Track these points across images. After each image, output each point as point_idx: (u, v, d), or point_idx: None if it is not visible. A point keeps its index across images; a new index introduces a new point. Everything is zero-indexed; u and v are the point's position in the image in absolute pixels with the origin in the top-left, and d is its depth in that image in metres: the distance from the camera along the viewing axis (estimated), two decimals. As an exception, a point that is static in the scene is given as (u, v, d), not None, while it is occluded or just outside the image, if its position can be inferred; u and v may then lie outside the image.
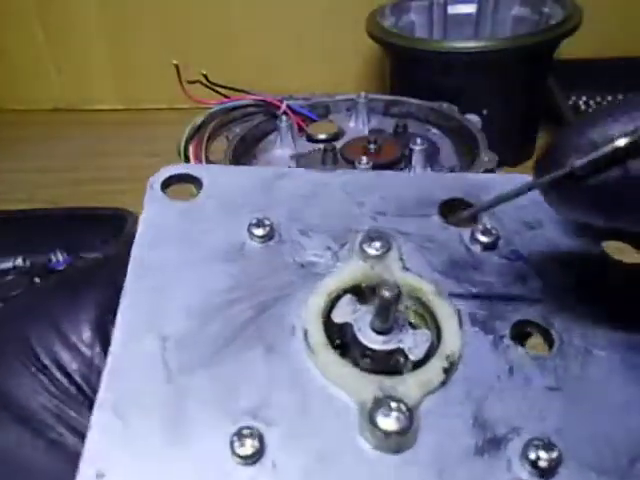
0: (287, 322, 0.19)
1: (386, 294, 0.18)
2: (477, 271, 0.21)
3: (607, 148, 0.16)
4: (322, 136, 0.60)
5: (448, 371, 0.18)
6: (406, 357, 0.19)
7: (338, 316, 0.20)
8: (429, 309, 0.20)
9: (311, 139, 0.61)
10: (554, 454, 0.16)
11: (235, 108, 0.65)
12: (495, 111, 0.64)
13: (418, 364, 0.19)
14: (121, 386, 0.18)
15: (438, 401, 0.18)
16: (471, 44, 0.63)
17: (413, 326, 0.20)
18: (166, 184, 0.23)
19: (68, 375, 0.21)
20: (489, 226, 0.22)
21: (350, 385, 0.18)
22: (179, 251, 0.21)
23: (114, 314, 0.19)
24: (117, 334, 0.19)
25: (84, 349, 0.22)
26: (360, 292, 0.21)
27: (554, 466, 0.17)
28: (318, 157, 0.55)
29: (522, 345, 0.19)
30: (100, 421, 0.17)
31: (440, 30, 0.76)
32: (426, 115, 0.63)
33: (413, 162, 0.54)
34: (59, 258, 0.55)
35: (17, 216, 0.59)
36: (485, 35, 0.75)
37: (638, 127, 0.17)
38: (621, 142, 0.16)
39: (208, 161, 0.60)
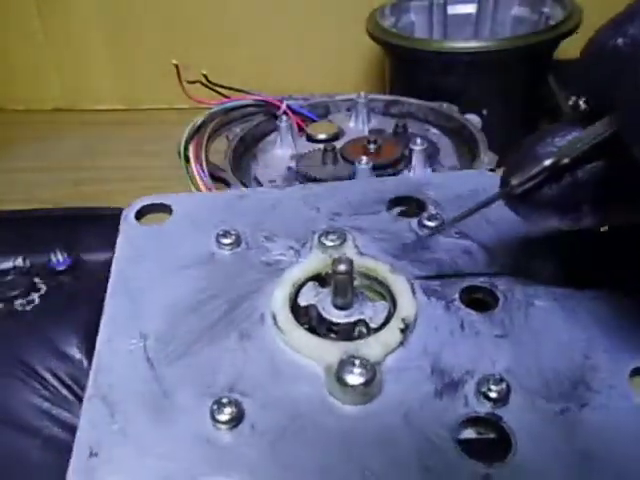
0: (257, 312, 0.21)
1: (340, 267, 0.20)
2: (427, 251, 0.24)
3: (537, 168, 0.19)
4: (322, 136, 0.60)
5: (404, 331, 0.21)
6: (367, 326, 0.21)
7: (303, 300, 0.22)
8: (385, 285, 0.23)
9: (311, 139, 0.61)
10: (503, 385, 0.19)
11: (235, 108, 0.65)
12: (495, 111, 0.65)
13: (378, 330, 0.21)
14: (107, 379, 0.19)
15: (398, 357, 0.20)
16: (471, 44, 0.63)
17: (371, 301, 0.22)
18: (140, 214, 0.27)
19: (59, 379, 0.22)
20: (434, 212, 0.25)
21: (317, 353, 0.20)
22: (154, 263, 0.24)
23: (97, 326, 0.21)
24: (101, 334, 0.20)
25: (72, 354, 0.23)
26: (321, 279, 0.23)
27: (504, 396, 0.19)
28: (318, 157, 0.55)
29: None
30: (89, 409, 0.18)
31: (440, 30, 0.76)
32: (426, 115, 0.63)
33: (413, 162, 0.54)
34: (59, 258, 0.55)
35: (17, 216, 0.59)
36: (485, 35, 0.75)
37: (560, 148, 0.19)
38: (547, 162, 0.19)
39: (208, 161, 0.60)
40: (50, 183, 0.71)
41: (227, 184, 0.54)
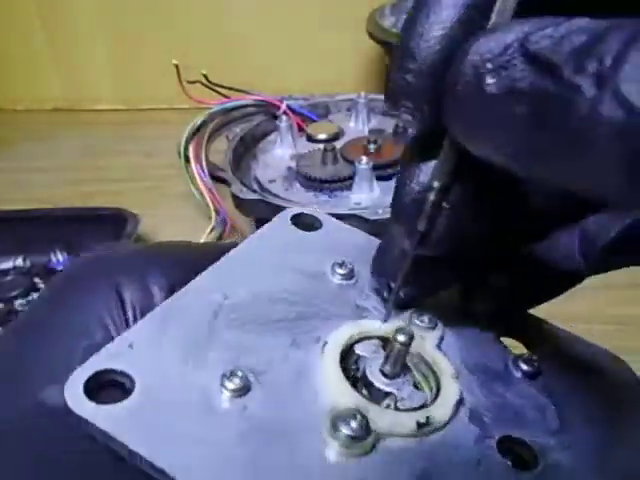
0: (318, 334, 0.22)
1: (400, 337, 0.20)
2: (503, 385, 0.22)
3: (427, 205, 0.19)
4: (322, 136, 0.60)
5: (420, 427, 0.20)
6: (395, 403, 0.21)
7: (358, 349, 0.22)
8: (438, 383, 0.22)
9: (311, 139, 0.61)
10: None
11: (235, 108, 0.65)
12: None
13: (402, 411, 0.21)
14: (176, 306, 0.21)
15: (398, 445, 0.19)
16: (471, 44, 0.63)
17: (416, 387, 0.22)
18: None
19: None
20: (533, 357, 0.23)
21: (335, 390, 0.20)
22: (279, 254, 0.25)
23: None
24: (191, 282, 0.22)
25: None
26: (387, 343, 0.22)
27: None
28: (318, 157, 0.55)
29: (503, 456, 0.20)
30: (146, 320, 0.20)
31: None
32: (426, 115, 0.63)
33: (413, 162, 0.54)
34: (59, 258, 0.55)
35: (17, 216, 0.59)
36: (485, 35, 0.75)
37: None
38: (432, 197, 0.18)
39: (208, 161, 0.60)
40: (50, 183, 0.71)
41: (227, 184, 0.54)
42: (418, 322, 0.23)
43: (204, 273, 0.23)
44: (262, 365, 0.20)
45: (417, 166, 0.19)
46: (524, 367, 0.22)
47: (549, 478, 0.20)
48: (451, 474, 0.19)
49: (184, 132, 0.60)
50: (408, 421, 0.20)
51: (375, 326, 0.23)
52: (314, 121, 0.64)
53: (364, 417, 0.19)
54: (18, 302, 0.53)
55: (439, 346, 0.23)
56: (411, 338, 0.20)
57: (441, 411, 0.21)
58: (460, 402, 0.21)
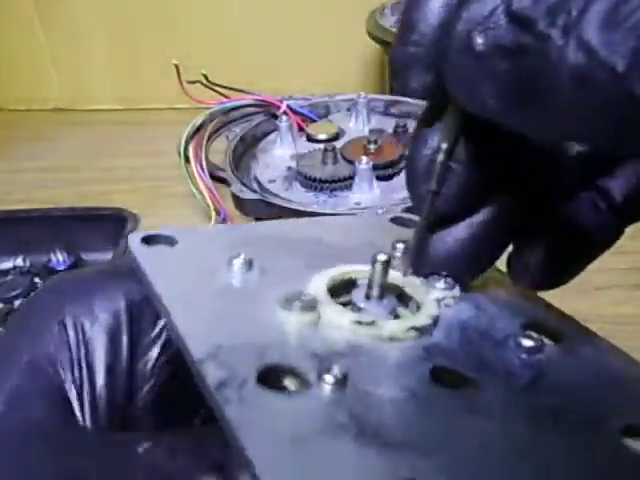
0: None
1: (379, 257, 0.20)
2: (487, 346, 0.21)
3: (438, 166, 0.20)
4: (322, 136, 0.60)
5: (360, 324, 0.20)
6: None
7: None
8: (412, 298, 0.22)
9: (311, 139, 0.61)
10: None
11: (235, 108, 0.65)
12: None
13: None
14: None
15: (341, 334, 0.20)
16: (471, 44, 0.63)
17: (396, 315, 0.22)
18: None
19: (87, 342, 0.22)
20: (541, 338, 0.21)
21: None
22: None
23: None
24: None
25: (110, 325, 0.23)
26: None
27: None
28: (318, 157, 0.55)
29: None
30: None
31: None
32: (426, 115, 0.63)
33: (413, 162, 0.54)
34: (59, 258, 0.55)
35: (17, 216, 0.59)
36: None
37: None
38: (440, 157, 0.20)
39: (208, 161, 0.60)
40: (50, 183, 0.71)
41: (227, 184, 0.54)
42: (435, 283, 0.22)
43: None
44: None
45: (427, 132, 0.20)
46: (524, 342, 0.21)
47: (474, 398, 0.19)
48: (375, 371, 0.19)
49: (184, 132, 0.60)
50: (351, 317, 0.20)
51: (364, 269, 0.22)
52: (314, 121, 0.64)
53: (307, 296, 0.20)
54: (18, 302, 0.53)
55: (440, 302, 0.22)
56: (389, 258, 0.20)
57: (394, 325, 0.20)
58: (426, 328, 0.21)
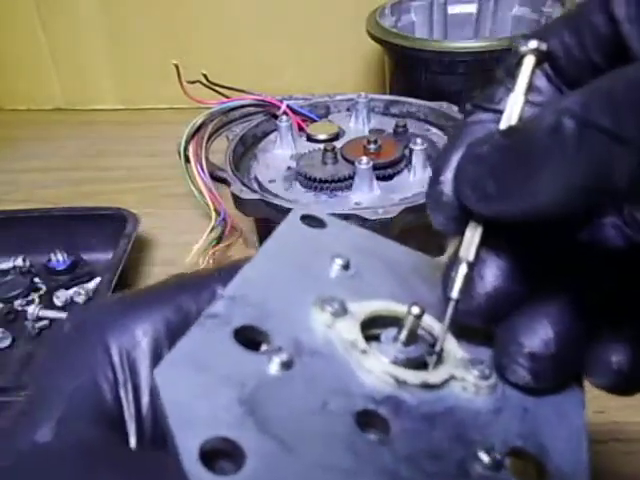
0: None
1: (413, 310, 0.21)
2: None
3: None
4: (322, 136, 0.60)
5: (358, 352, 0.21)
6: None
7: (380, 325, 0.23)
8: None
9: (311, 139, 0.61)
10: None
11: (235, 108, 0.65)
12: (495, 111, 0.65)
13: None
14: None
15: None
16: (471, 44, 0.63)
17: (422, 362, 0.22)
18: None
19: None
20: (497, 456, 0.20)
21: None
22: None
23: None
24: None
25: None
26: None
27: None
28: (318, 157, 0.55)
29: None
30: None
31: (440, 30, 0.76)
32: (426, 115, 0.63)
33: (413, 162, 0.54)
34: (59, 258, 0.55)
35: (17, 216, 0.59)
36: (485, 35, 0.75)
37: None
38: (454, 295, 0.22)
39: (208, 161, 0.60)
40: (50, 183, 0.71)
41: (227, 184, 0.54)
42: (473, 369, 0.22)
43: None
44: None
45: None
46: (482, 456, 0.20)
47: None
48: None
49: (184, 132, 0.60)
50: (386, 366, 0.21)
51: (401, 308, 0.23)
52: (314, 121, 0.64)
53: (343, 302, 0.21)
54: (18, 302, 0.53)
55: (455, 379, 0.22)
56: (423, 311, 0.21)
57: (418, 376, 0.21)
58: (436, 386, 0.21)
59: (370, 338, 0.22)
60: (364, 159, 0.52)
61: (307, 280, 0.23)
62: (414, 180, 0.54)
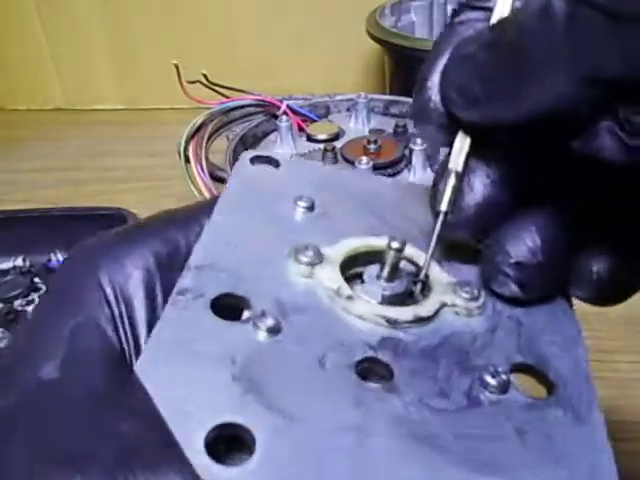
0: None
1: (393, 244, 0.20)
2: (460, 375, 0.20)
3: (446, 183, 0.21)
4: (322, 136, 0.60)
5: (337, 295, 0.20)
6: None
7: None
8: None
9: (311, 139, 0.61)
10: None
11: (235, 108, 0.65)
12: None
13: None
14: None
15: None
16: (471, 44, 0.63)
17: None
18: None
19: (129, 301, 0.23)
20: (502, 377, 0.20)
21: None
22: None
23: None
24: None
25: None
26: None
27: None
28: (318, 157, 0.56)
29: None
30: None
31: (440, 30, 0.76)
32: (426, 115, 0.63)
33: (413, 162, 0.54)
34: (59, 258, 0.55)
35: (17, 216, 0.59)
36: (485, 35, 0.75)
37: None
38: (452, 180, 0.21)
39: (208, 161, 0.60)
40: (50, 183, 0.71)
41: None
42: (458, 289, 0.21)
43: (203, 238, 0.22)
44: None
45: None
46: (489, 379, 0.19)
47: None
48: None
49: (184, 132, 0.60)
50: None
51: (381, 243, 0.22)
52: (314, 121, 0.64)
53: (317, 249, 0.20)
54: (18, 302, 0.53)
55: (446, 306, 0.21)
56: (404, 243, 0.20)
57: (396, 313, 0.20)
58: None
59: (353, 278, 0.22)
60: (364, 159, 0.52)
61: (273, 230, 0.22)
62: (414, 180, 0.54)
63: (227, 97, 0.65)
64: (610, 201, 0.20)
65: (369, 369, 0.19)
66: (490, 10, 0.20)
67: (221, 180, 0.59)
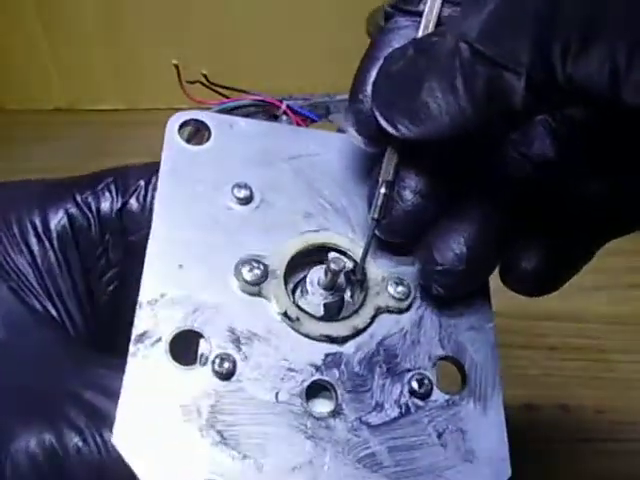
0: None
1: (332, 266, 0.22)
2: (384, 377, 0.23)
3: (377, 198, 0.22)
4: (322, 136, 0.60)
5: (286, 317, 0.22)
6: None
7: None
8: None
9: (311, 139, 0.61)
10: None
11: (235, 108, 0.65)
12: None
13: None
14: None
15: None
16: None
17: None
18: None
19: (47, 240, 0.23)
20: (425, 382, 0.22)
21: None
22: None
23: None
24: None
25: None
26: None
27: None
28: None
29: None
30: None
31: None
32: (426, 115, 0.63)
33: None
34: (59, 258, 0.55)
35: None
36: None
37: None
38: (382, 190, 0.22)
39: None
40: (50, 183, 0.71)
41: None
42: (391, 290, 0.23)
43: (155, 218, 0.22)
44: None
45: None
46: (415, 386, 0.22)
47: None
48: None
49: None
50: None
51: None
52: (314, 121, 0.64)
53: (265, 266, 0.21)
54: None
55: (382, 309, 0.23)
56: (342, 268, 0.22)
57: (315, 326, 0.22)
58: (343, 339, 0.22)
59: (297, 284, 0.23)
60: (364, 159, 0.52)
61: (215, 237, 0.22)
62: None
63: (227, 97, 0.65)
64: (535, 201, 0.22)
65: (316, 388, 0.21)
66: (419, 15, 0.21)
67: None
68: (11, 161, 0.77)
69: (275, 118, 0.63)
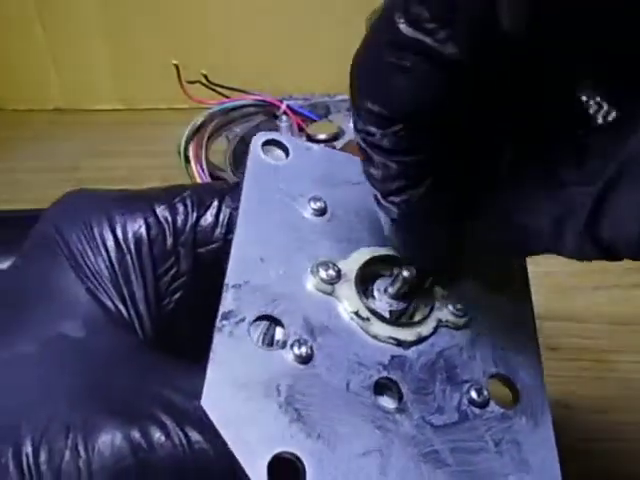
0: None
1: (404, 273, 0.23)
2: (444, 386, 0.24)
3: None
4: (322, 136, 0.60)
5: (358, 316, 0.23)
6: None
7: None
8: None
9: (311, 139, 0.61)
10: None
11: (235, 108, 0.65)
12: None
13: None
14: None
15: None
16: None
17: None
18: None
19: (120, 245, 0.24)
20: (484, 393, 0.24)
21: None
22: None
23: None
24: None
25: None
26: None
27: None
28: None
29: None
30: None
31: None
32: (426, 115, 0.63)
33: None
34: (59, 258, 0.55)
35: (17, 216, 0.59)
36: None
37: None
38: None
39: (208, 161, 0.60)
40: (50, 183, 0.71)
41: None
42: (451, 307, 0.25)
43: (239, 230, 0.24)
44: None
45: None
46: (474, 395, 0.23)
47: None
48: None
49: (184, 132, 0.60)
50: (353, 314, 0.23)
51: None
52: (314, 121, 0.64)
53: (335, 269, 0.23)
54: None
55: (441, 322, 0.25)
56: (413, 277, 0.23)
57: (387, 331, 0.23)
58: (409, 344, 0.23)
59: (366, 289, 0.25)
60: (364, 159, 0.51)
61: (293, 240, 0.24)
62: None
63: (227, 97, 0.65)
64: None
65: (383, 385, 0.22)
66: None
67: (221, 180, 0.59)
68: (11, 161, 0.77)
69: (275, 118, 0.63)
